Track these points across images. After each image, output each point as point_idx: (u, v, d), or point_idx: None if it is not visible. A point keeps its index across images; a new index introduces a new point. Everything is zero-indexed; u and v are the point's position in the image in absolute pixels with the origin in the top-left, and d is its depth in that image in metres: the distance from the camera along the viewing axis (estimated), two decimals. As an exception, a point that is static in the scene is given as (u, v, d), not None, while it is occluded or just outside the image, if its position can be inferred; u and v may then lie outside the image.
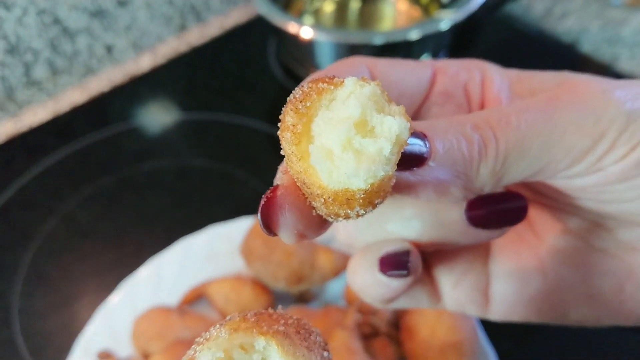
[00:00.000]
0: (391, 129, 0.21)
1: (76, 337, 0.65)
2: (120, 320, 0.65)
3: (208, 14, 1.15)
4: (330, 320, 0.59)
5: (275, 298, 0.66)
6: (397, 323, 0.62)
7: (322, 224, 0.25)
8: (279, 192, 0.24)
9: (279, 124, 0.24)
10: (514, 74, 0.33)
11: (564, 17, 1.10)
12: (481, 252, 0.34)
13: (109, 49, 1.04)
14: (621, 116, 0.25)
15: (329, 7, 1.08)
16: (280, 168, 0.26)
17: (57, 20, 0.94)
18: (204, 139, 0.94)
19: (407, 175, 0.25)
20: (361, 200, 0.22)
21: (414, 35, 0.85)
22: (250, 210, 0.76)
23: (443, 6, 1.00)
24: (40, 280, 0.75)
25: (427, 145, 0.24)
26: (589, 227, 0.31)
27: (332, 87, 0.22)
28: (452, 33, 0.94)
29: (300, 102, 0.22)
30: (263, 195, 0.25)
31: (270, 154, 0.91)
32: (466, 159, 0.25)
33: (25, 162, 0.89)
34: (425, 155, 0.24)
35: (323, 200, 0.22)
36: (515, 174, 0.26)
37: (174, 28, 1.11)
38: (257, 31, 1.13)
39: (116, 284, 0.69)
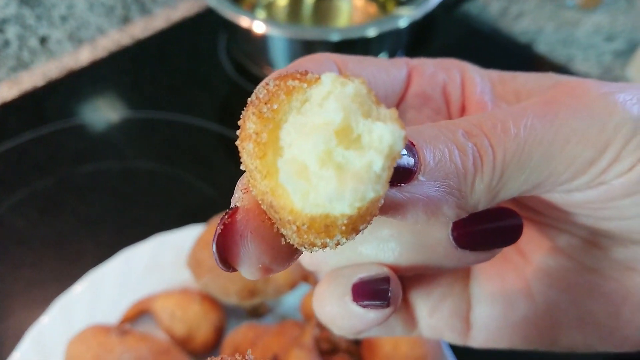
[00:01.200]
0: (382, 139, 0.17)
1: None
2: (53, 342, 0.58)
3: (154, 5, 1.08)
4: (287, 337, 0.55)
5: (226, 313, 0.61)
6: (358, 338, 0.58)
7: (292, 254, 0.21)
8: (238, 217, 0.20)
9: (237, 132, 0.19)
10: (495, 74, 0.29)
11: (520, 17, 1.10)
12: (461, 273, 0.31)
13: (43, 40, 0.96)
14: (627, 123, 0.22)
15: (282, 1, 1.03)
16: (240, 185, 0.21)
17: (-19, 8, 0.85)
18: (149, 139, 0.89)
19: (393, 192, 0.20)
20: (343, 227, 0.17)
21: (372, 32, 0.82)
22: (198, 217, 0.71)
23: (400, 3, 0.97)
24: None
25: (416, 156, 0.20)
26: (580, 245, 0.28)
27: (305, 86, 0.18)
28: (409, 31, 0.91)
29: (265, 104, 0.18)
30: (219, 221, 0.20)
31: (221, 155, 0.86)
32: (460, 172, 0.21)
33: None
34: (413, 169, 0.20)
35: (296, 228, 0.18)
36: (512, 189, 0.23)
37: (116, 19, 1.04)
38: (206, 25, 1.08)
39: (54, 297, 0.63)
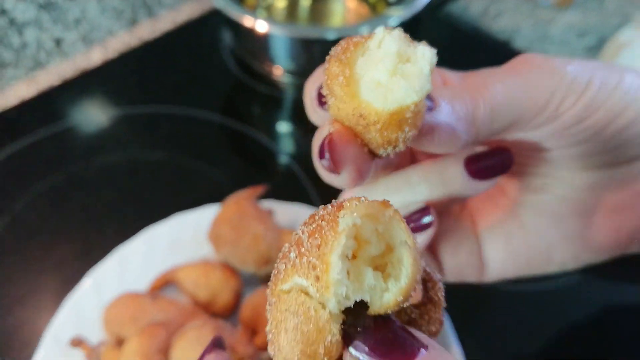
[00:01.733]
0: (425, 54, 0.26)
1: (27, 335, 0.65)
2: (89, 309, 0.65)
3: (159, 8, 1.15)
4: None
5: (243, 280, 0.69)
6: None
7: (372, 159, 0.29)
8: (335, 135, 0.28)
9: (323, 83, 0.28)
10: (467, 74, 0.39)
11: (499, 16, 1.19)
12: (470, 221, 0.40)
13: (58, 42, 1.03)
14: (567, 74, 0.31)
15: (280, 3, 1.11)
16: (327, 122, 0.30)
17: (3, 12, 0.92)
18: (156, 132, 0.94)
19: (426, 116, 0.29)
20: (410, 120, 0.26)
21: (365, 31, 0.89)
22: (209, 199, 0.77)
23: (389, 4, 1.06)
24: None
25: (432, 101, 0.29)
26: (549, 182, 0.38)
27: (364, 40, 0.28)
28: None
29: (342, 54, 0.27)
30: (321, 140, 0.28)
31: (225, 145, 0.92)
32: (463, 106, 0.30)
33: (-28, 159, 0.87)
34: (432, 106, 0.29)
35: (380, 127, 0.27)
36: (499, 122, 0.32)
37: (125, 22, 1.11)
38: (209, 26, 1.14)
39: (69, 283, 0.69)
